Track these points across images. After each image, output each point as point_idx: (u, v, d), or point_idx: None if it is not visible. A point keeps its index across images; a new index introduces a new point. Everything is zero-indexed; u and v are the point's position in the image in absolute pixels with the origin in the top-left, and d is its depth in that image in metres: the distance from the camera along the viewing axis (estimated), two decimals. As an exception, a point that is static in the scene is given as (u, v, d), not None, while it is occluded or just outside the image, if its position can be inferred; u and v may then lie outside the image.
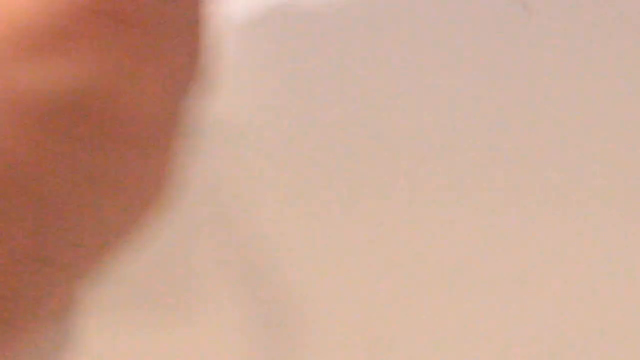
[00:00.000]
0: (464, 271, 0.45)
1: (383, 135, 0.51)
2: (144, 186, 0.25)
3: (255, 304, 0.45)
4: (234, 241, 0.47)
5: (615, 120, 0.51)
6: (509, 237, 0.47)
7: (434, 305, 0.44)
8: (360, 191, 0.49)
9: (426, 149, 0.50)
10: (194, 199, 0.49)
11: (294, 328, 0.44)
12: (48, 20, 0.22)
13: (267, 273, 0.46)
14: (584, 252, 0.46)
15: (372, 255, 0.47)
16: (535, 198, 0.48)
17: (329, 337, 0.44)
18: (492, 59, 0.54)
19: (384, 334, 0.44)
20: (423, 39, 0.55)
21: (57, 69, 0.22)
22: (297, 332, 0.44)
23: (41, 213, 0.23)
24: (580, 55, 0.54)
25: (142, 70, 0.24)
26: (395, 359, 0.43)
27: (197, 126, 0.51)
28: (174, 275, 0.46)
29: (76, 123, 0.23)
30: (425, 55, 0.55)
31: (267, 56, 0.54)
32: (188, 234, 0.47)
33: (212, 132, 0.51)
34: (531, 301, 0.44)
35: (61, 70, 0.22)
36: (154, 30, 0.24)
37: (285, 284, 0.45)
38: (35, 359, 0.42)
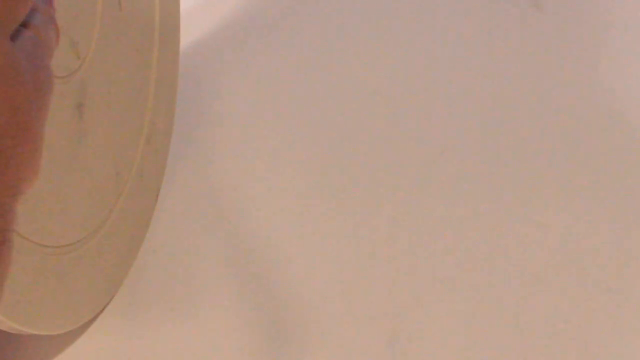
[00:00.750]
0: (472, 263, 0.46)
1: (384, 134, 0.51)
2: None
3: (260, 303, 0.44)
4: (234, 241, 0.47)
5: (618, 119, 0.51)
6: (511, 234, 0.47)
7: (447, 297, 0.45)
8: (363, 189, 0.48)
9: (428, 146, 0.50)
10: (194, 198, 0.48)
11: (301, 324, 0.44)
12: None
13: (269, 272, 0.46)
14: (585, 251, 0.46)
15: (376, 251, 0.47)
16: (539, 197, 0.48)
17: (342, 332, 0.44)
18: (501, 53, 0.53)
19: (401, 324, 0.44)
20: (430, 32, 0.54)
21: None
22: (307, 328, 0.44)
23: None
24: (589, 52, 0.54)
25: None
26: (414, 350, 0.44)
27: (196, 126, 0.50)
28: (174, 275, 0.45)
29: None
30: (432, 50, 0.54)
31: (267, 57, 0.53)
32: (188, 234, 0.47)
33: (211, 132, 0.50)
34: (533, 292, 0.45)
35: None
36: None
37: (288, 282, 0.45)
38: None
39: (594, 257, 0.46)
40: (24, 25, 0.28)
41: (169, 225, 0.47)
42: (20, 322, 0.36)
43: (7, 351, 0.42)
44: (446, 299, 0.45)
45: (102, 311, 0.44)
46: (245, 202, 0.48)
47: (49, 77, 0.29)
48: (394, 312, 0.44)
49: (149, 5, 0.44)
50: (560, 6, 0.54)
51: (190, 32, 0.52)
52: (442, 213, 0.47)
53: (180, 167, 0.49)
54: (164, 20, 0.45)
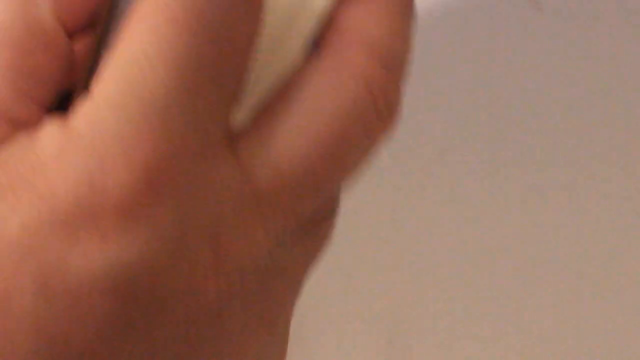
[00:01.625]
0: (473, 262, 0.46)
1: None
2: None
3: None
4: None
5: (620, 119, 0.51)
6: (511, 234, 0.47)
7: (446, 295, 0.45)
8: (363, 188, 0.48)
9: (428, 146, 0.50)
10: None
11: (300, 324, 0.44)
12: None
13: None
14: (586, 251, 0.46)
15: (376, 250, 0.47)
16: (542, 197, 0.48)
17: (342, 332, 0.44)
18: (501, 54, 0.53)
19: (401, 323, 0.44)
20: (429, 32, 0.55)
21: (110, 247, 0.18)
22: (307, 328, 0.44)
23: None
24: (589, 53, 0.54)
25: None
26: (413, 345, 0.44)
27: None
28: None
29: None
30: (431, 49, 0.54)
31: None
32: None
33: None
34: (533, 292, 0.45)
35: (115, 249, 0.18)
36: None
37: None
38: None
39: (594, 257, 0.46)
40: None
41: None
42: None
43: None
44: (446, 299, 0.45)
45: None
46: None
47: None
48: (394, 312, 0.44)
49: None
50: (560, 6, 0.55)
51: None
52: (442, 212, 0.48)
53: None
54: None
